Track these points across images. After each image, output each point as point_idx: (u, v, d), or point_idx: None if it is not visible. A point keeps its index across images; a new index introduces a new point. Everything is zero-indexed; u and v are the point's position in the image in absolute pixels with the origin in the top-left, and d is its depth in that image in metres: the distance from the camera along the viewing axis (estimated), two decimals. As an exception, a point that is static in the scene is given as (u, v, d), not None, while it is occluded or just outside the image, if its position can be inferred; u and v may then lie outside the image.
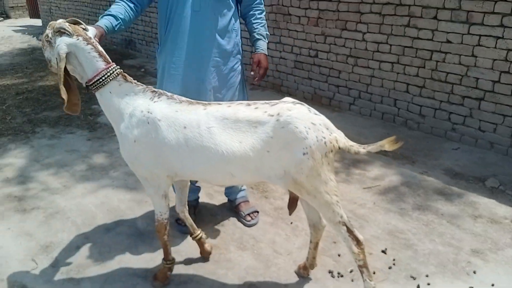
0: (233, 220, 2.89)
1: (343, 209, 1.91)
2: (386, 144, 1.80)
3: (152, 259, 2.52)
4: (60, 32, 1.93)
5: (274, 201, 3.10)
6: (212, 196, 3.19)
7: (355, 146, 1.84)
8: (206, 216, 2.93)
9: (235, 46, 2.61)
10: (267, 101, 1.90)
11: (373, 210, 2.94)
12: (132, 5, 2.39)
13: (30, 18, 14.49)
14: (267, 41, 2.68)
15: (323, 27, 4.67)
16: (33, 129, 4.53)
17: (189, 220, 2.43)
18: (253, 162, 1.82)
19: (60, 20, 1.95)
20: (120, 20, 2.29)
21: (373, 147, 1.83)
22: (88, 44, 1.95)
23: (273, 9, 5.19)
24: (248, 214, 2.83)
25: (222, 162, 1.84)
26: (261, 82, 2.74)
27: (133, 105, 1.95)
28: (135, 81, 2.03)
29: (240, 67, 2.67)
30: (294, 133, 1.75)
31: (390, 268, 2.38)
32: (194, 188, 2.89)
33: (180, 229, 2.74)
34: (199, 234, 2.45)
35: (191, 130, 1.87)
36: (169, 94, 2.01)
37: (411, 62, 4.02)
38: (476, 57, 3.55)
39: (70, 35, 1.92)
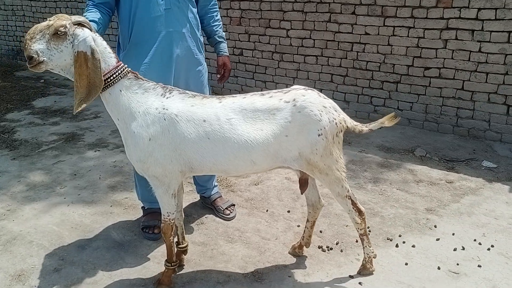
0: (210, 216, 2.92)
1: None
2: (386, 121, 2.05)
3: (144, 267, 2.45)
4: (80, 25, 1.81)
5: (241, 193, 3.21)
6: (179, 197, 3.17)
7: (359, 126, 2.07)
8: (181, 217, 2.92)
9: (201, 45, 2.65)
10: (279, 90, 2.02)
11: (334, 189, 3.22)
12: (104, 11, 2.33)
13: None
14: (226, 42, 2.78)
15: (247, 26, 4.87)
16: None
17: (181, 229, 2.40)
18: (273, 147, 1.93)
19: (68, 16, 1.82)
20: (101, 25, 2.21)
21: (374, 125, 2.07)
22: (103, 40, 1.86)
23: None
24: (226, 208, 2.90)
25: (245, 150, 1.92)
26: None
27: (146, 103, 1.92)
28: (145, 78, 1.99)
29: (205, 65, 2.72)
30: (309, 116, 1.91)
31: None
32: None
33: (147, 236, 2.68)
34: (186, 244, 2.43)
35: (211, 123, 1.91)
36: (180, 89, 2.01)
37: (334, 54, 4.42)
38: (392, 45, 4.07)
39: (90, 29, 1.83)
